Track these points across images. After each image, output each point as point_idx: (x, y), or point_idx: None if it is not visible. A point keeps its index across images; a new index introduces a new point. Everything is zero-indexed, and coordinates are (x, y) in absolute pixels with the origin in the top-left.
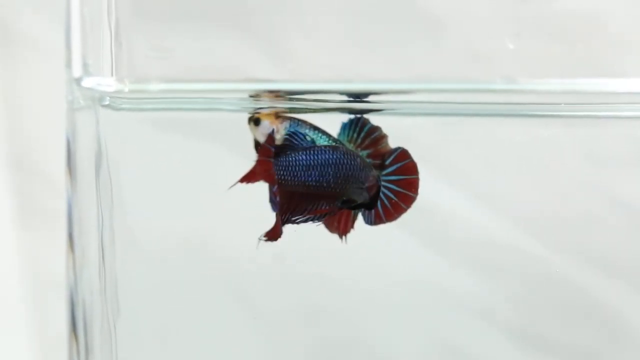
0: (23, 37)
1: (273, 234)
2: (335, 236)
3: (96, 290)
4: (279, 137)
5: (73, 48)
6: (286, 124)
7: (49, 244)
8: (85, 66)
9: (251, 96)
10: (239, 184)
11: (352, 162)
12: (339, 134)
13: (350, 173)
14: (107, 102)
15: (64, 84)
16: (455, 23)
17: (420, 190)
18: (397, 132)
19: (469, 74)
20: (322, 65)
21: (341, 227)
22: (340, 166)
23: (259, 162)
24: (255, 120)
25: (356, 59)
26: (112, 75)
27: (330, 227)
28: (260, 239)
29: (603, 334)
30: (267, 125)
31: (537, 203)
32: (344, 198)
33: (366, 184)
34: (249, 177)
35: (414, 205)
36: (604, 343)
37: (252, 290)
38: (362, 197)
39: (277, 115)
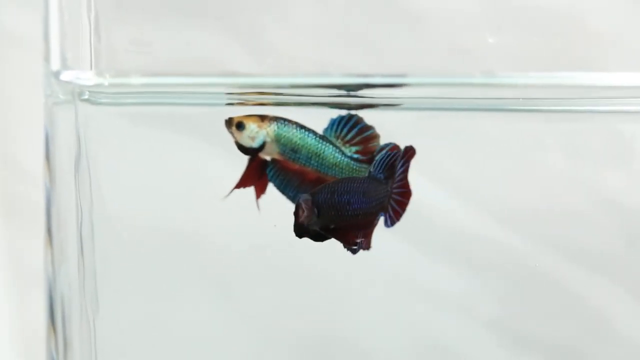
0: (2, 30)
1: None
2: None
3: (75, 284)
4: (269, 141)
5: (51, 41)
6: (274, 125)
7: (31, 239)
8: (63, 60)
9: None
10: (228, 187)
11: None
12: (326, 130)
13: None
14: (86, 97)
15: (42, 78)
16: (436, 17)
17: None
18: (377, 126)
19: (449, 68)
20: (303, 59)
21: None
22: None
23: (251, 169)
24: (237, 124)
25: (336, 53)
26: (91, 68)
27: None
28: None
29: (586, 329)
30: (254, 128)
31: (518, 198)
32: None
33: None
34: (243, 183)
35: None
36: (587, 339)
37: (233, 284)
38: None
39: (263, 117)
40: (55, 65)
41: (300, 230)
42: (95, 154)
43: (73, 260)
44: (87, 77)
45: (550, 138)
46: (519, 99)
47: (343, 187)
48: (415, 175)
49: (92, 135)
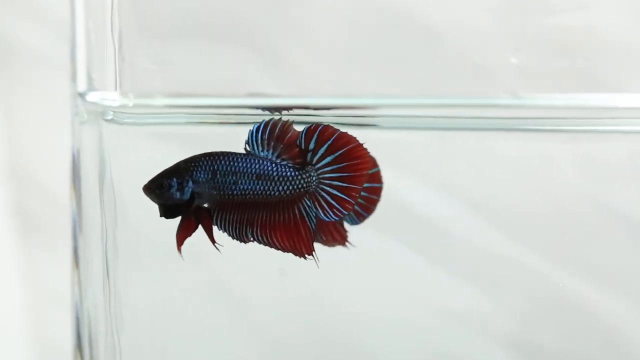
0: (26, 51)
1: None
2: (335, 247)
3: (100, 304)
4: None
5: (78, 62)
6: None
7: (48, 257)
8: (90, 80)
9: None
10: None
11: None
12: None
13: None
14: (110, 117)
15: (68, 98)
16: (456, 38)
17: (418, 201)
18: (398, 146)
19: (470, 89)
20: (323, 80)
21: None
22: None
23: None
24: None
25: (358, 73)
26: (116, 89)
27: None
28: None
29: (600, 344)
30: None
31: (538, 217)
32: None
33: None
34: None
35: (413, 217)
36: (600, 354)
37: (255, 303)
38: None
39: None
40: (81, 86)
41: (168, 211)
42: (120, 173)
43: (98, 280)
44: (112, 98)
45: (571, 158)
46: (540, 119)
47: (227, 167)
48: (433, 193)
49: (117, 155)
